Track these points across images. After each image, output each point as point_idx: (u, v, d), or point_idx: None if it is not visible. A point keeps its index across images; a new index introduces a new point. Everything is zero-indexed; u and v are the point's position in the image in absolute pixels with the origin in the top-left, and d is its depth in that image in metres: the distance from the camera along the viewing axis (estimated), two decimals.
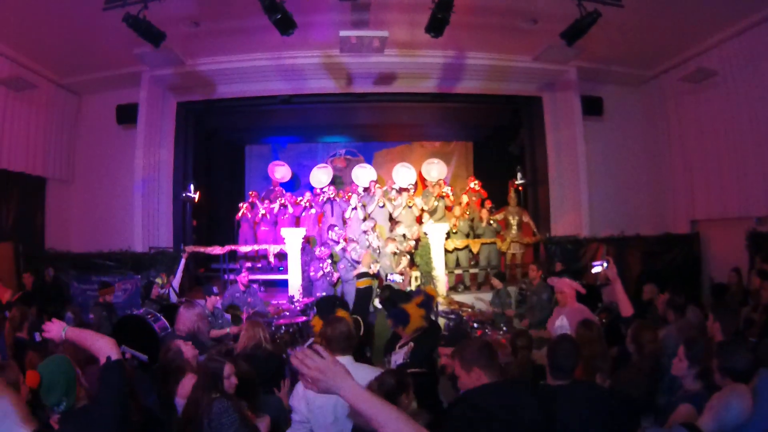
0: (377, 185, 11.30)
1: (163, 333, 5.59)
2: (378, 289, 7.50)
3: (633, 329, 3.82)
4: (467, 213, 10.94)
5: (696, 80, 10.07)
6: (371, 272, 6.46)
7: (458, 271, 10.69)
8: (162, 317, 5.82)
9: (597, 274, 4.80)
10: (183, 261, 9.39)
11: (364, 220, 10.34)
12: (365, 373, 2.96)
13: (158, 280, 9.02)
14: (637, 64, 10.97)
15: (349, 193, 11.33)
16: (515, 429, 2.38)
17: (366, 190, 11.44)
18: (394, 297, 4.54)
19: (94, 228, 10.87)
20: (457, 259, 10.65)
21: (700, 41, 9.73)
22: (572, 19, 7.44)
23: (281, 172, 12.72)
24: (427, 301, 4.18)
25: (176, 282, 8.91)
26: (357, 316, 4.25)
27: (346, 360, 3.06)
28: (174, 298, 8.46)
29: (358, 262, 9.23)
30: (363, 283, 4.48)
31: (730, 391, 2.67)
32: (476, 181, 11.87)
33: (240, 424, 2.92)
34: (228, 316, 7.40)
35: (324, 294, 8.90)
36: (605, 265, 4.20)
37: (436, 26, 7.42)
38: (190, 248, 10.27)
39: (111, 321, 7.04)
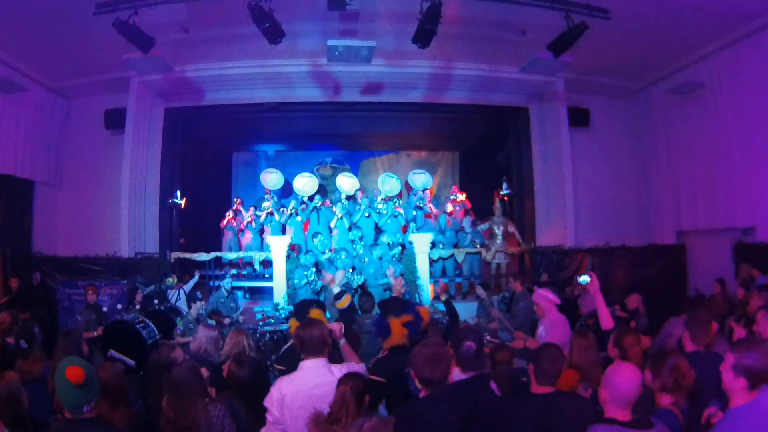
0: (362, 195, 11.29)
1: (150, 340, 5.61)
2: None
3: (615, 334, 3.82)
4: (450, 222, 11.00)
5: (683, 92, 10.26)
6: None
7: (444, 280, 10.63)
8: (150, 324, 5.84)
9: (579, 285, 4.88)
10: (197, 277, 9.60)
11: (350, 229, 10.37)
12: (338, 372, 3.04)
13: (169, 280, 9.28)
14: (624, 76, 11.10)
15: (335, 202, 11.23)
16: None
17: (350, 198, 11.45)
18: (387, 306, 4.44)
19: (81, 232, 10.81)
20: (444, 269, 10.69)
21: (687, 54, 9.88)
22: (560, 31, 7.49)
23: (273, 180, 12.63)
24: (416, 323, 4.11)
25: (187, 288, 9.23)
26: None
27: (320, 362, 3.12)
28: (183, 303, 8.69)
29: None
30: (343, 303, 4.40)
31: None
32: (459, 192, 11.95)
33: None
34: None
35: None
36: (588, 279, 4.28)
37: (423, 37, 7.48)
38: (175, 254, 10.27)
39: (100, 324, 7.06)
